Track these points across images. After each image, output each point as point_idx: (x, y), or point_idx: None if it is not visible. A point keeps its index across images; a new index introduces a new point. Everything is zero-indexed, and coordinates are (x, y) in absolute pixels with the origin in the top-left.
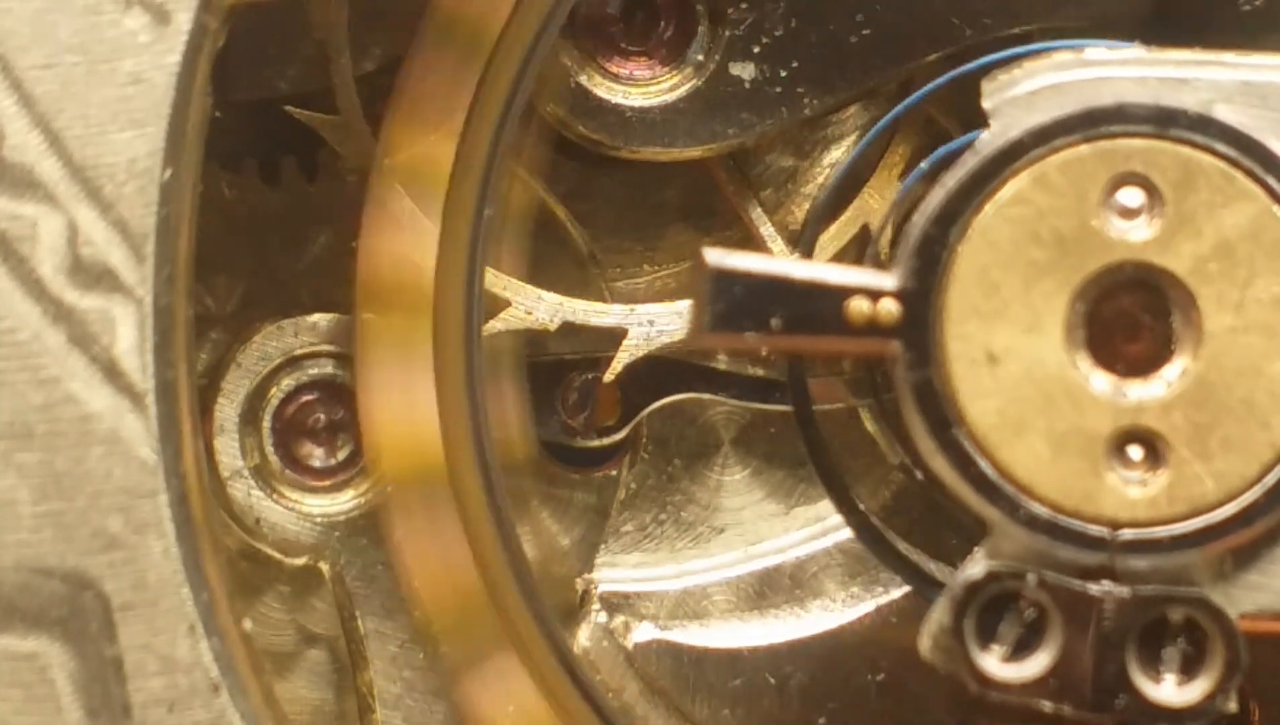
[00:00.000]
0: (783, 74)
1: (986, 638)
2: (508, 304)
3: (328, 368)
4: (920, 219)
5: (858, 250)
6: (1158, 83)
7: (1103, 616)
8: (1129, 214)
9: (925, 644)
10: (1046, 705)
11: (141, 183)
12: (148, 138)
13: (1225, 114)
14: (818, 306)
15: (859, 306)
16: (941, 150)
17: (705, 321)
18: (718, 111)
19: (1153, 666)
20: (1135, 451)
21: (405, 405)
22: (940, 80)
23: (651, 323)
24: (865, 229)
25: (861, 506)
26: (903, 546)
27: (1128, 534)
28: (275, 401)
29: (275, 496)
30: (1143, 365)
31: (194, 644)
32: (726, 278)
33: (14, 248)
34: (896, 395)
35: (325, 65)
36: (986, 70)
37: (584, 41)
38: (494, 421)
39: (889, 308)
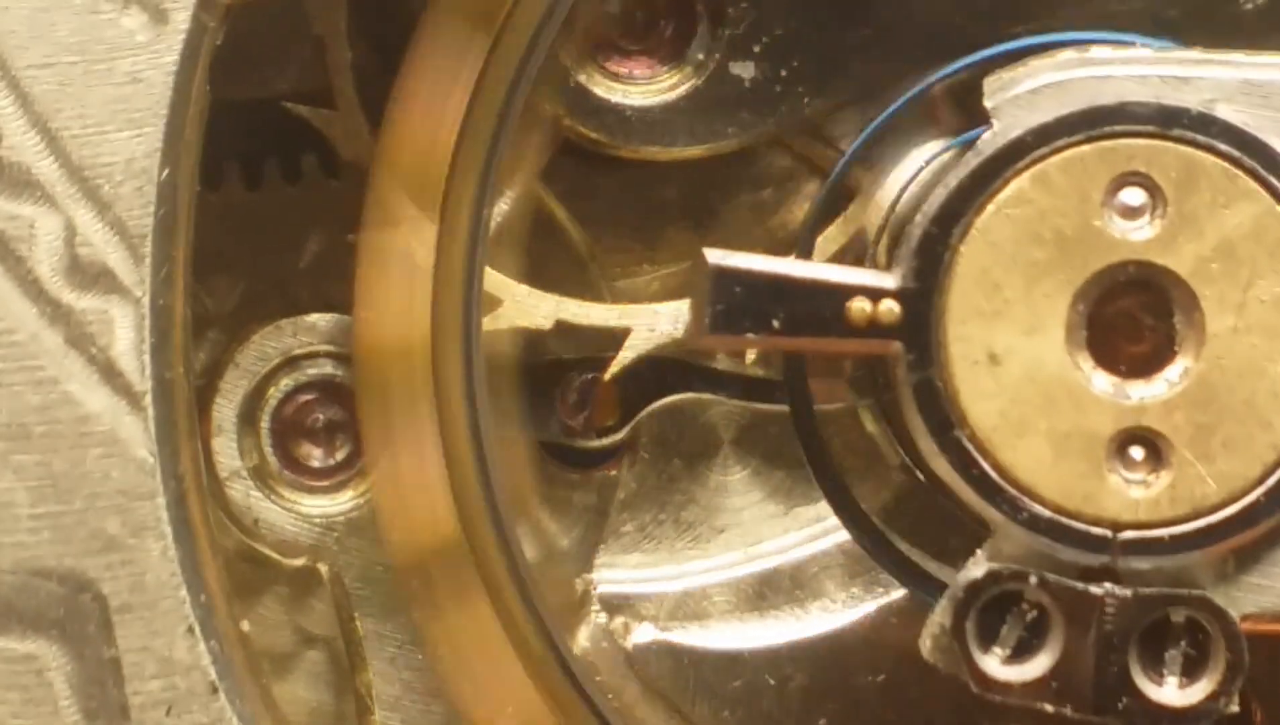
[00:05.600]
0: (783, 74)
1: (988, 639)
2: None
3: (326, 368)
4: (921, 219)
5: (858, 250)
6: (1160, 82)
7: (1104, 618)
8: (1131, 214)
9: (926, 645)
10: (1048, 707)
11: (139, 183)
12: (145, 138)
13: (1227, 113)
14: (819, 307)
15: (860, 307)
16: (939, 149)
17: (705, 321)
18: (718, 111)
19: (1155, 668)
20: (1137, 452)
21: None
22: (936, 76)
23: (651, 322)
24: (864, 229)
25: (863, 507)
26: (902, 547)
27: (1129, 535)
28: (273, 402)
29: (273, 497)
30: (1144, 366)
31: (192, 645)
32: (727, 278)
33: (11, 248)
34: (897, 396)
35: (325, 65)
36: (983, 65)
37: (584, 41)
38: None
39: (890, 308)
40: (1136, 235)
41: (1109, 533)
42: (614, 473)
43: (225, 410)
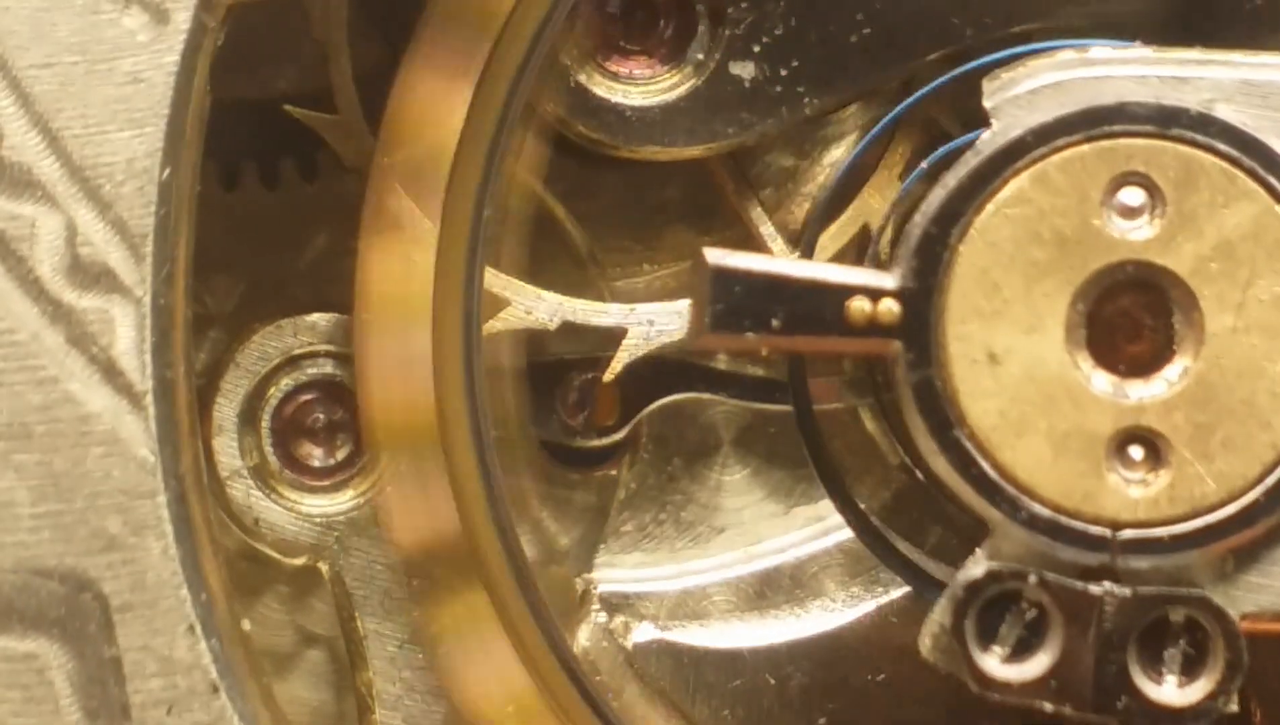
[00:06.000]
0: (783, 74)
1: (987, 638)
2: (508, 304)
3: (327, 367)
4: (921, 219)
5: (858, 250)
6: (1159, 82)
7: (1104, 617)
8: (1130, 213)
9: (926, 644)
10: (1047, 706)
11: (140, 182)
12: (146, 137)
13: (1227, 113)
14: (818, 306)
15: (860, 306)
16: (942, 149)
17: (705, 321)
18: (718, 111)
19: (1154, 667)
20: (1136, 452)
21: (403, 397)
22: (941, 80)
23: (651, 322)
24: (865, 229)
25: (861, 506)
26: (903, 546)
27: (1129, 534)
28: (274, 401)
29: (274, 496)
30: (1144, 365)
31: (193, 645)
32: (727, 277)
33: (12, 248)
34: (897, 395)
35: (325, 65)
36: (988, 69)
37: (584, 41)
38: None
39: (890, 307)
40: (1136, 235)
41: (1108, 532)
42: (614, 473)
43: (226, 409)
